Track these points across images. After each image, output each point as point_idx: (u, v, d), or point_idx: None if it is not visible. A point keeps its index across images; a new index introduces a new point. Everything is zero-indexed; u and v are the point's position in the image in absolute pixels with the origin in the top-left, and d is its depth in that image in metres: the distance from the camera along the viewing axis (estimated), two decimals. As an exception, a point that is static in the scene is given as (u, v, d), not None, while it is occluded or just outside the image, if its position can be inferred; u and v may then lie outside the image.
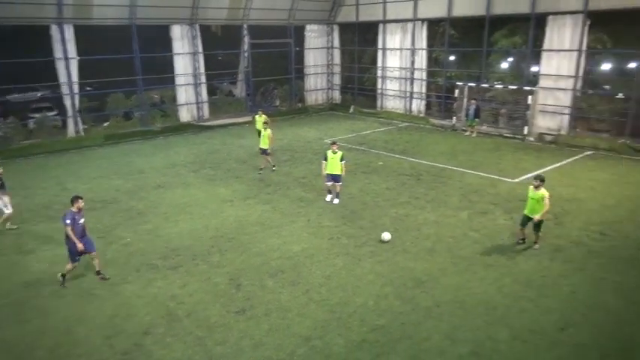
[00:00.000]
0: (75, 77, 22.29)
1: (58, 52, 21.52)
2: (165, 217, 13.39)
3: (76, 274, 10.09)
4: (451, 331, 8.05)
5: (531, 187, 10.73)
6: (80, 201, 9.44)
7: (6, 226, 12.54)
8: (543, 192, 10.45)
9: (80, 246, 9.31)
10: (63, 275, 9.67)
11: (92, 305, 9.08)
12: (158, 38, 25.67)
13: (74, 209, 9.36)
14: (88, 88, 26.44)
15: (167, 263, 10.67)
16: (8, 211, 12.45)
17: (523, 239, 11.15)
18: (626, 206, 13.57)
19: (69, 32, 21.60)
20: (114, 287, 9.69)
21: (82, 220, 9.53)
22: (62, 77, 22.02)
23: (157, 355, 7.64)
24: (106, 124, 24.99)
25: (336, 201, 14.17)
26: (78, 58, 22.18)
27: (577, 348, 7.59)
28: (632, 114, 20.41)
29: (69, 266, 9.60)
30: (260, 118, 20.41)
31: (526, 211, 10.85)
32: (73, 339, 8.10)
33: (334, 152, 13.77)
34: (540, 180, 10.53)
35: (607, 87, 23.19)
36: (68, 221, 9.21)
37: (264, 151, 17.39)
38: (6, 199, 12.46)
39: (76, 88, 22.51)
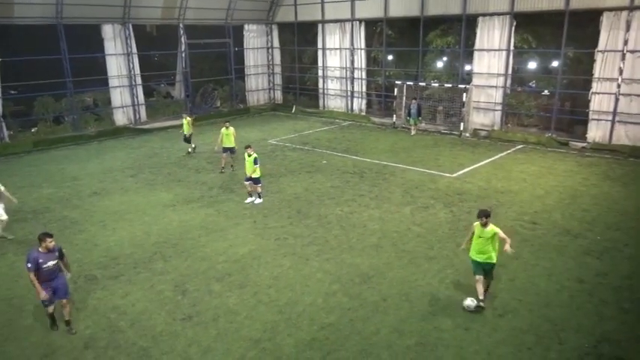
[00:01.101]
0: (-3, 80, 20.87)
1: (-24, 53, 20.07)
2: (102, 226, 12.80)
3: (3, 290, 9.45)
4: (398, 324, 8.25)
5: (476, 224, 8.58)
6: (49, 239, 7.77)
7: None
8: (493, 228, 8.46)
9: (43, 295, 7.72)
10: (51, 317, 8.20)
11: (24, 322, 8.52)
12: (89, 38, 24.50)
13: (41, 249, 7.76)
14: (13, 92, 24.75)
15: (107, 273, 10.21)
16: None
17: (486, 289, 8.90)
18: (554, 196, 14.48)
19: (-12, 32, 20.20)
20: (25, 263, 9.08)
21: (51, 263, 7.83)
22: (-18, 80, 20.53)
23: (99, 369, 7.31)
24: (34, 130, 23.51)
25: (249, 199, 14.32)
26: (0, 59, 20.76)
27: (515, 332, 8.01)
28: (556, 109, 21.84)
29: (49, 309, 8.07)
30: (186, 121, 20.04)
31: (476, 257, 8.64)
32: (4, 359, 7.57)
33: (249, 155, 13.93)
34: (485, 216, 8.41)
35: (533, 84, 24.64)
36: (29, 265, 7.64)
37: (230, 150, 17.34)
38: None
39: (-2, 91, 21.08)
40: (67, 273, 8.29)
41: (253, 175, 13.99)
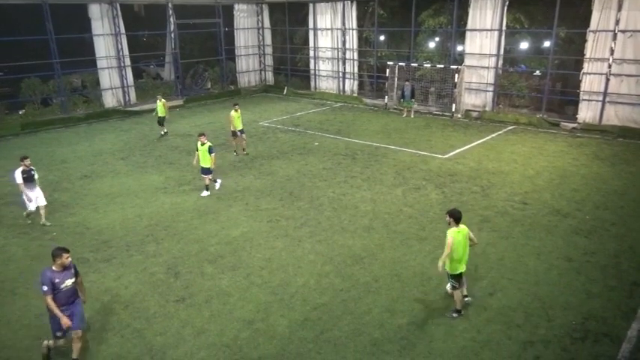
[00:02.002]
0: (-18, 61, 20.50)
1: (-41, 34, 19.63)
2: (94, 208, 12.74)
3: (-3, 273, 9.45)
4: (390, 304, 8.35)
5: None
6: (65, 255, 6.70)
7: (28, 221, 11.80)
8: (448, 232, 7.65)
9: (66, 321, 6.56)
10: (48, 348, 6.99)
11: (16, 305, 8.52)
12: (76, 18, 24.00)
13: (55, 267, 6.66)
14: (-1, 73, 24.37)
15: (99, 256, 10.20)
16: (30, 208, 11.59)
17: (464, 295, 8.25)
18: (544, 176, 14.60)
19: (-29, 11, 19.74)
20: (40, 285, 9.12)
21: (69, 282, 6.73)
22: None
23: (93, 351, 7.33)
24: (21, 112, 23.17)
25: (205, 193, 13.43)
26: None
27: (504, 310, 8.14)
28: (547, 90, 21.86)
29: (49, 342, 6.93)
30: (160, 103, 19.96)
31: None
32: (-2, 342, 7.60)
33: (202, 144, 13.02)
34: (448, 214, 7.70)
35: (523, 66, 24.59)
36: (45, 288, 6.50)
37: (241, 132, 17.06)
38: (30, 194, 11.51)
39: (-17, 73, 20.72)
40: (81, 296, 7.09)
41: (206, 165, 13.16)
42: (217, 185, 13.84)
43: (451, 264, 7.70)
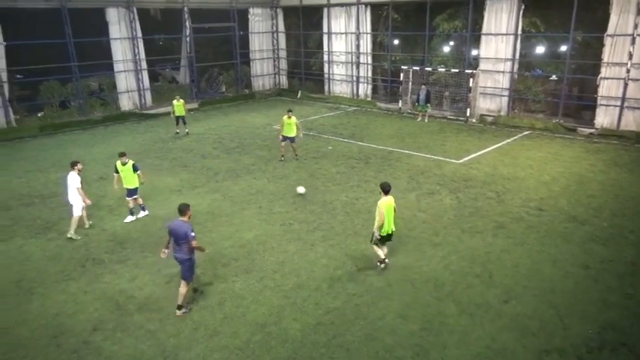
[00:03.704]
0: (2, 64, 20.86)
1: (-19, 38, 20.04)
2: (109, 210, 12.90)
3: (11, 272, 9.60)
4: (403, 310, 8.31)
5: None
6: (190, 208, 8.32)
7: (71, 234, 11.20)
8: (379, 201, 9.32)
9: (203, 248, 8.52)
10: (179, 307, 8.30)
11: (33, 305, 8.65)
12: (94, 22, 24.37)
13: (185, 219, 8.13)
14: (19, 76, 24.80)
15: (114, 257, 10.32)
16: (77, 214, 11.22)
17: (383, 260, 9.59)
18: (560, 182, 14.42)
19: (-7, 16, 20.15)
20: (57, 285, 9.27)
21: None
22: (-12, 65, 20.55)
23: (107, 351, 7.42)
24: (40, 114, 23.59)
25: (129, 218, 12.21)
26: (4, 43, 20.74)
27: (519, 318, 8.05)
28: (564, 95, 21.61)
29: (183, 289, 8.29)
30: (178, 103, 20.38)
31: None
32: (14, 341, 7.70)
33: (123, 164, 11.71)
34: (380, 187, 9.48)
35: (539, 70, 24.35)
36: (193, 234, 8.01)
37: (291, 139, 16.69)
38: (76, 199, 11.12)
39: (4, 76, 21.06)
40: None
41: (133, 186, 11.88)
42: (130, 219, 12.25)
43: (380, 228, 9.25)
